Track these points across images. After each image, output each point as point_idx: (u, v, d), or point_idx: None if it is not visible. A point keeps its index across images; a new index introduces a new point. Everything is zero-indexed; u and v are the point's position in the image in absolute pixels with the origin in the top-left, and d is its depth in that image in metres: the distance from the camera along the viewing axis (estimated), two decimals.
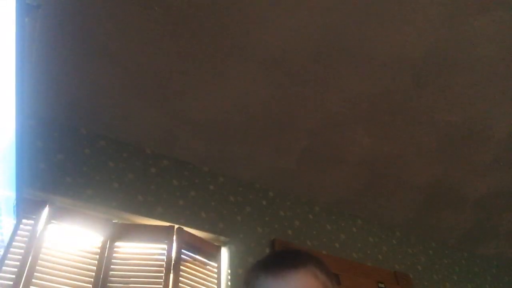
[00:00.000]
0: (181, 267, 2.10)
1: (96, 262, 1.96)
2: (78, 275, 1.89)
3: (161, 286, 1.97)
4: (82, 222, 2.04)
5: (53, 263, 1.86)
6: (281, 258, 0.83)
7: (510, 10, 1.79)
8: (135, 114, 2.25)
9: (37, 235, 1.87)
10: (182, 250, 2.15)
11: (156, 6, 1.74)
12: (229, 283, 2.22)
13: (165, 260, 2.06)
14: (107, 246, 2.03)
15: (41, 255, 1.84)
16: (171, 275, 2.03)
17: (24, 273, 1.75)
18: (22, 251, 1.80)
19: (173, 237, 2.17)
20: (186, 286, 2.07)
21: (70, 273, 1.88)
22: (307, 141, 2.49)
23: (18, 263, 1.76)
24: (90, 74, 2.02)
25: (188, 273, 2.14)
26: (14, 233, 1.70)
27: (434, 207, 3.07)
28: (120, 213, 2.15)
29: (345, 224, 2.98)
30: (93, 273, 1.92)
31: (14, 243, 1.77)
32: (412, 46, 1.96)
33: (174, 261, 2.08)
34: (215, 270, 2.29)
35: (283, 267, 0.78)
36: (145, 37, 1.87)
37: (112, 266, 1.98)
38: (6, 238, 1.59)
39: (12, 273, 1.73)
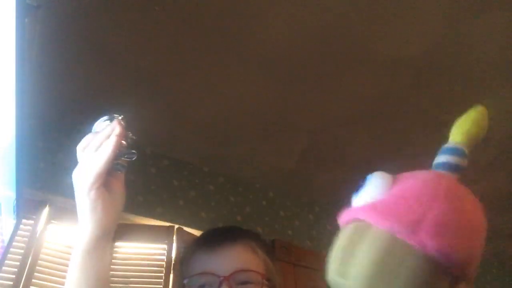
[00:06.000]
0: None
1: None
2: None
3: (161, 286, 1.98)
4: None
5: (53, 263, 1.86)
6: (218, 233, 0.79)
7: (510, 10, 1.79)
8: (135, 114, 2.25)
9: (37, 235, 1.87)
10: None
11: (156, 6, 1.74)
12: None
13: (165, 260, 2.06)
14: None
15: (41, 255, 1.84)
16: (171, 275, 2.03)
17: (24, 273, 1.75)
18: (22, 251, 1.80)
19: (173, 237, 2.17)
20: None
21: None
22: (307, 141, 2.49)
23: (18, 263, 1.76)
24: (90, 74, 2.02)
25: None
26: (14, 233, 1.70)
27: None
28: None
29: None
30: None
31: (14, 243, 1.77)
32: (412, 46, 1.96)
33: (174, 261, 2.08)
34: None
35: (219, 241, 0.73)
36: (145, 37, 1.87)
37: (112, 266, 1.98)
38: (6, 238, 1.59)
39: (12, 273, 1.73)
